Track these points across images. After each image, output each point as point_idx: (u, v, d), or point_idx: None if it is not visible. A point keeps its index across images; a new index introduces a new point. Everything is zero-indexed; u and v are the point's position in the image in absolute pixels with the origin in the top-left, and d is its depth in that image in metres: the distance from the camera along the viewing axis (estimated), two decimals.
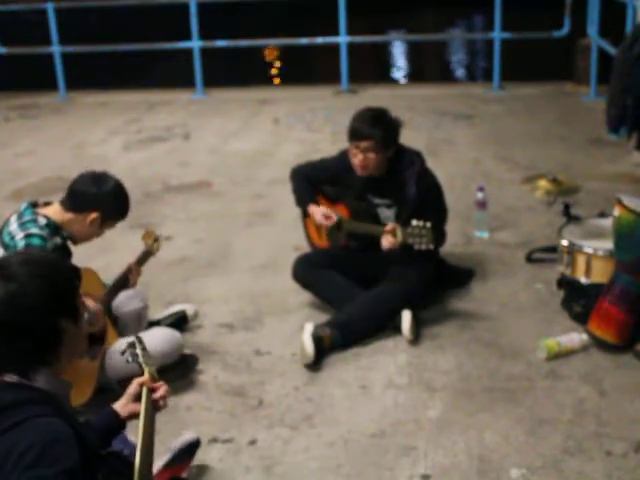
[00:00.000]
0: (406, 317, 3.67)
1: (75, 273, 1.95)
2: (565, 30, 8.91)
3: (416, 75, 14.02)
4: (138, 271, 3.46)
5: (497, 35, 8.99)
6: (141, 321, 3.58)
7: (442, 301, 4.05)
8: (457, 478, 2.77)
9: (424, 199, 3.78)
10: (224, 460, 2.91)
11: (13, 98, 9.83)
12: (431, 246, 3.56)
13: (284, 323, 3.92)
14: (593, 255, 3.81)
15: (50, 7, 9.39)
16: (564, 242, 3.94)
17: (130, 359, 2.20)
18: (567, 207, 4.39)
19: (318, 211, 4.00)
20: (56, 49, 9.53)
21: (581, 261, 3.85)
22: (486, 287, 4.20)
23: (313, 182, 4.14)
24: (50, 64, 9.53)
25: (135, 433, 2.01)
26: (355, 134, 3.75)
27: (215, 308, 4.11)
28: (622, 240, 3.51)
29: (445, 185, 4.11)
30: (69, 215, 3.18)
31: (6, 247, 3.06)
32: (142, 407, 2.07)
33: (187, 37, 9.38)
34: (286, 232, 4.98)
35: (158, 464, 2.70)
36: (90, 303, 2.99)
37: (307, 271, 3.99)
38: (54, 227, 3.14)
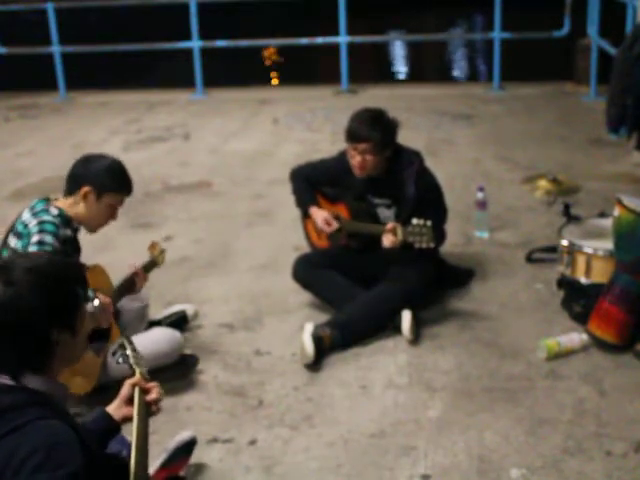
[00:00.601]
0: (406, 317, 3.67)
1: (81, 283, 1.92)
2: (565, 30, 8.91)
3: (416, 75, 14.02)
4: (144, 276, 3.48)
5: (497, 35, 8.99)
6: (141, 321, 3.58)
7: (442, 301, 4.05)
8: (457, 478, 2.77)
9: (423, 198, 3.78)
10: (224, 460, 2.91)
11: (13, 98, 9.83)
12: (431, 245, 3.57)
13: (284, 323, 3.92)
14: (593, 255, 3.81)
15: (50, 7, 9.38)
16: (564, 242, 3.94)
17: (121, 360, 2.20)
18: (567, 207, 4.39)
19: (319, 215, 3.99)
20: (56, 49, 9.53)
21: (581, 261, 3.85)
22: (486, 287, 4.20)
23: (313, 183, 4.14)
24: (50, 64, 9.53)
25: (131, 434, 2.01)
26: (353, 136, 3.75)
27: (215, 308, 4.11)
28: (622, 240, 3.51)
29: (445, 185, 4.12)
30: (68, 200, 3.20)
31: (19, 235, 3.08)
32: (135, 408, 2.06)
33: (187, 37, 9.38)
34: (286, 232, 4.98)
35: (155, 464, 2.70)
36: (102, 297, 3.02)
37: (307, 271, 3.99)
38: (65, 218, 3.15)
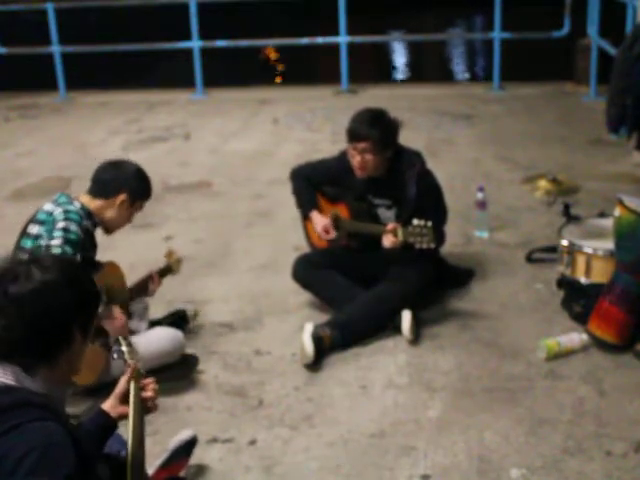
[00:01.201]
0: (406, 317, 3.67)
1: (98, 298, 1.99)
2: (565, 30, 8.91)
3: (416, 75, 14.02)
4: (159, 281, 3.53)
5: (497, 35, 8.99)
6: (142, 321, 3.58)
7: (442, 301, 4.05)
8: (457, 478, 2.77)
9: (424, 200, 3.78)
10: (224, 460, 2.92)
11: (13, 98, 9.82)
12: (432, 245, 3.57)
13: (284, 323, 3.92)
14: (593, 255, 3.81)
15: (50, 7, 9.38)
16: (564, 242, 3.94)
17: (116, 356, 2.21)
18: (567, 207, 4.39)
19: (319, 223, 3.99)
20: (56, 49, 9.53)
21: (581, 261, 3.85)
22: (486, 287, 4.20)
23: (313, 183, 4.13)
24: (50, 64, 9.53)
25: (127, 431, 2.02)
26: (353, 135, 3.75)
27: (215, 308, 4.11)
28: (623, 240, 3.51)
29: (445, 185, 4.12)
30: (99, 202, 3.26)
31: (42, 223, 3.12)
32: (130, 404, 2.07)
33: (187, 37, 9.38)
34: (286, 232, 4.98)
35: (155, 464, 2.70)
36: (117, 313, 3.13)
37: (307, 271, 3.99)
38: (87, 212, 3.22)
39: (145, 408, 2.14)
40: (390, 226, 3.66)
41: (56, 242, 2.99)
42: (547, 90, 9.05)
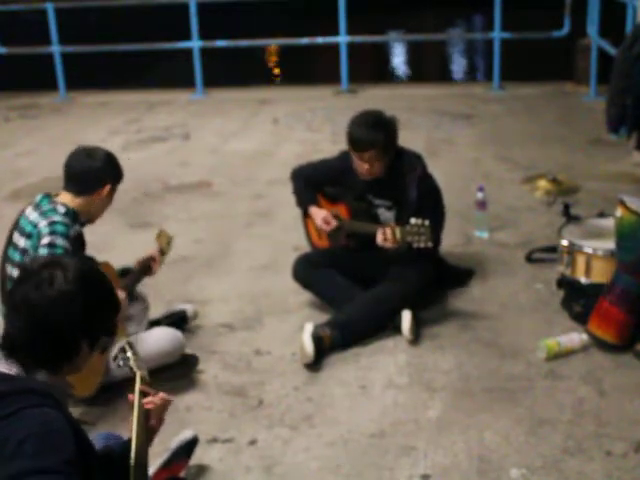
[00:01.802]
0: (406, 317, 3.67)
1: (113, 309, 2.00)
2: (565, 30, 8.91)
3: (416, 75, 14.02)
4: (161, 259, 3.50)
5: (497, 35, 8.99)
6: (142, 321, 3.58)
7: (442, 301, 4.05)
8: (457, 478, 2.77)
9: (424, 202, 3.77)
10: (224, 460, 2.91)
11: (13, 98, 9.82)
12: (430, 244, 3.56)
13: (284, 323, 3.92)
14: (593, 255, 3.81)
15: (50, 7, 9.38)
16: (564, 242, 3.94)
17: (121, 363, 2.21)
18: (567, 207, 4.39)
19: (318, 214, 3.99)
20: (56, 49, 9.53)
21: (581, 261, 3.85)
22: (486, 287, 4.20)
23: (313, 183, 4.13)
24: (50, 64, 9.53)
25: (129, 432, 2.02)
26: (357, 145, 3.71)
27: (215, 308, 4.11)
28: (624, 241, 3.51)
29: (445, 185, 4.12)
30: (82, 199, 3.19)
31: (29, 236, 3.06)
32: (134, 411, 2.06)
33: (187, 37, 9.38)
34: (286, 232, 4.98)
35: (156, 464, 2.70)
36: (119, 293, 3.02)
37: (307, 271, 3.99)
38: (73, 214, 3.15)
39: (148, 419, 2.11)
40: (387, 226, 3.65)
41: None
42: (547, 90, 9.05)
